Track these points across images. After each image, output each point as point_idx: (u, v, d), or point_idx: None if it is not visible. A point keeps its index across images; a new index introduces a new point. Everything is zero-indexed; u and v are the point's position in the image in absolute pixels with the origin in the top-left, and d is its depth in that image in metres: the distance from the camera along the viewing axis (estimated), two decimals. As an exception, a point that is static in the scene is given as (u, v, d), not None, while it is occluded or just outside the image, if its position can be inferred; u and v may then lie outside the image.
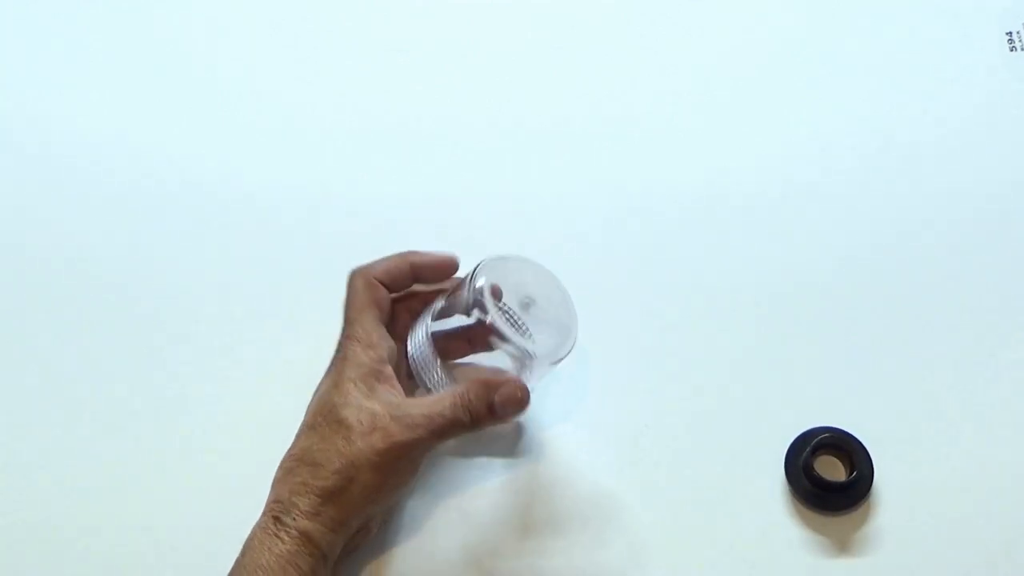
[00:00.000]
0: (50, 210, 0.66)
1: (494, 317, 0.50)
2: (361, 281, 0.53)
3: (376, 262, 0.54)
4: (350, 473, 0.47)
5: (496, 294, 0.51)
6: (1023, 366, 0.57)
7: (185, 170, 0.67)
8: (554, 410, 0.58)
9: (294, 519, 0.47)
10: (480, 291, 0.50)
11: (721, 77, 0.68)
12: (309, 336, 0.57)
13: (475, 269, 0.51)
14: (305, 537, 0.46)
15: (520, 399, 0.50)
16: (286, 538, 0.46)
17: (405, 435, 0.48)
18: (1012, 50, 0.67)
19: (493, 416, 0.50)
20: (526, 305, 0.52)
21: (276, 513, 0.47)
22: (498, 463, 0.57)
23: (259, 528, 0.48)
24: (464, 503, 0.55)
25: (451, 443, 0.54)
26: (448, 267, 0.55)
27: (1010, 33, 0.68)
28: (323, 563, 0.47)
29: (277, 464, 0.50)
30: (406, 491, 0.54)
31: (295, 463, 0.49)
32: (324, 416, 0.49)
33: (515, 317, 0.52)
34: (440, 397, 0.50)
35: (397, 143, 0.67)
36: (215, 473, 0.57)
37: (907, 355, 0.58)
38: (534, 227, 0.64)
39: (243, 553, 0.47)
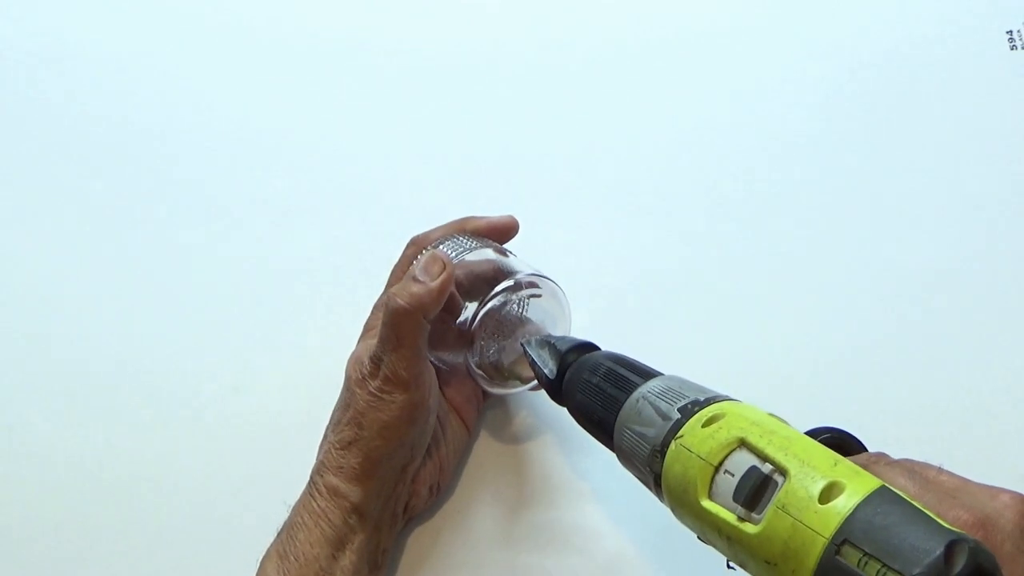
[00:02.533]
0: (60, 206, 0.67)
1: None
2: (414, 251, 0.53)
3: (432, 231, 0.54)
4: (358, 419, 0.48)
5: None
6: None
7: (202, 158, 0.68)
8: (553, 408, 0.57)
9: (322, 476, 0.49)
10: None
11: (719, 74, 0.68)
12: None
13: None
14: (332, 491, 0.48)
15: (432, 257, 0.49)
16: (318, 495, 0.48)
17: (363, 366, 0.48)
18: (1012, 48, 0.67)
19: (411, 278, 0.48)
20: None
21: (312, 475, 0.50)
22: (498, 466, 0.57)
23: (303, 493, 0.50)
24: (464, 505, 0.55)
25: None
26: (506, 228, 0.54)
27: (1010, 32, 0.68)
28: (356, 516, 0.48)
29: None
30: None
31: (326, 428, 0.51)
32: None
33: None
34: None
35: (402, 139, 0.67)
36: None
37: (908, 355, 0.58)
38: (539, 226, 0.63)
39: (289, 517, 0.49)
